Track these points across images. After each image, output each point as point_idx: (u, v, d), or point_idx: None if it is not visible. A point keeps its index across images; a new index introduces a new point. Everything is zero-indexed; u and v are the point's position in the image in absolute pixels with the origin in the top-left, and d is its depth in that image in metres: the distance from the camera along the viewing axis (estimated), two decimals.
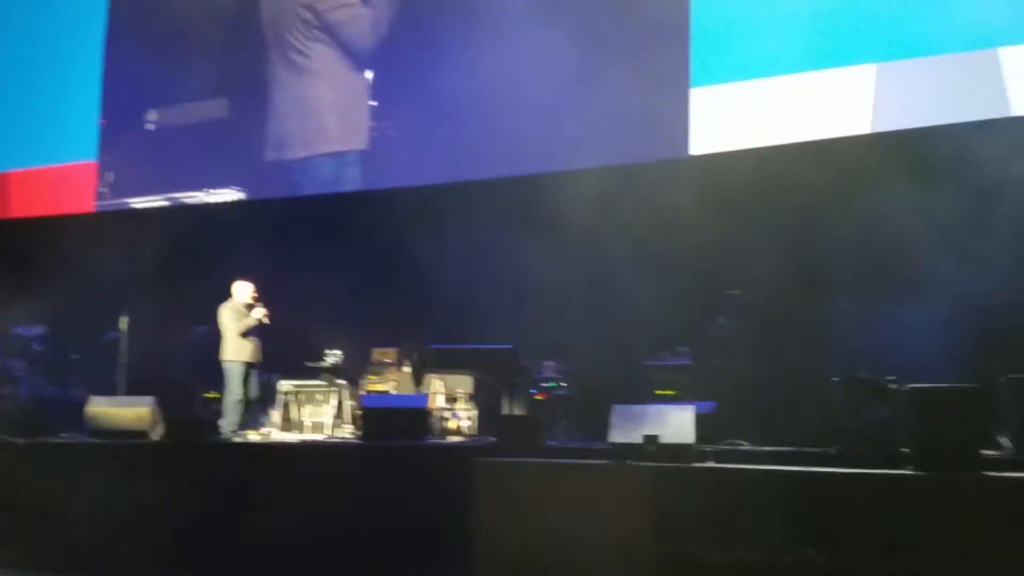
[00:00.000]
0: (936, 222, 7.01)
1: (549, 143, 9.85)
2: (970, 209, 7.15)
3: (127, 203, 12.03)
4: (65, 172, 12.43)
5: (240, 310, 8.11)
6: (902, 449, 4.62)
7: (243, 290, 8.26)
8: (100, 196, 12.22)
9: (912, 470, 4.45)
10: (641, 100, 8.84)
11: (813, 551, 4.36)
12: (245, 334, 8.03)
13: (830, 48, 8.22)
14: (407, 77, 10.31)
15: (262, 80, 11.00)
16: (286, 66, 10.92)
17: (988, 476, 4.35)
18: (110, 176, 12.11)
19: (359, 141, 10.74)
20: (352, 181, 10.78)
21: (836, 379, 5.40)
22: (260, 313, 8.09)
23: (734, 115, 8.88)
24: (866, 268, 7.47)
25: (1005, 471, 4.41)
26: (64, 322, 10.51)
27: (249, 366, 8.06)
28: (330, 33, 10.83)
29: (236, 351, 8.00)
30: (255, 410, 8.31)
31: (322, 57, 10.73)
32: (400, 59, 10.38)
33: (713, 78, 9.00)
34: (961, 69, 7.82)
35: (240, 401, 7.91)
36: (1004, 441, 4.86)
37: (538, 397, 8.07)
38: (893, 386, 5.08)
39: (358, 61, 10.62)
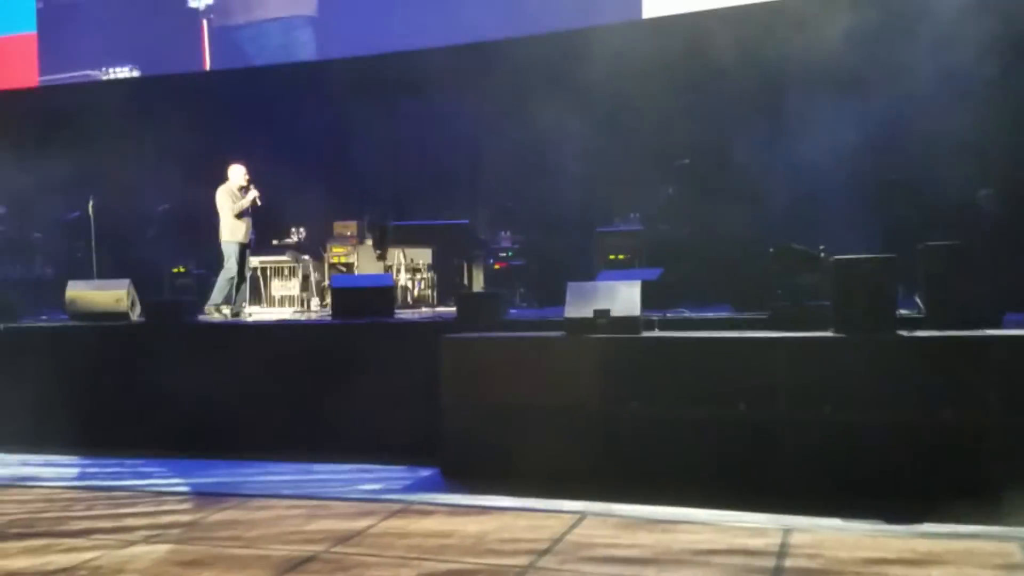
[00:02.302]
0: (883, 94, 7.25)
1: (507, 9, 9.83)
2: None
3: (72, 76, 11.81)
4: (3, 44, 12.08)
5: (235, 192, 8.36)
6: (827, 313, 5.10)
7: (237, 173, 8.46)
8: (43, 70, 11.96)
9: (833, 332, 4.96)
10: None
11: (745, 407, 4.91)
12: (240, 215, 8.29)
13: None
14: None
15: None
16: None
17: (901, 335, 4.88)
18: (51, 48, 11.83)
19: (306, 6, 10.63)
20: (304, 46, 10.76)
21: (772, 249, 5.82)
22: (253, 195, 8.32)
23: None
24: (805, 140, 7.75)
25: (918, 330, 4.95)
26: (23, 201, 10.53)
27: (244, 246, 8.38)
28: None
29: (233, 231, 8.33)
30: (245, 288, 8.69)
31: None
32: None
33: None
34: None
35: (232, 279, 8.29)
36: (918, 301, 5.37)
37: (497, 267, 8.48)
38: (823, 255, 5.51)
39: None
